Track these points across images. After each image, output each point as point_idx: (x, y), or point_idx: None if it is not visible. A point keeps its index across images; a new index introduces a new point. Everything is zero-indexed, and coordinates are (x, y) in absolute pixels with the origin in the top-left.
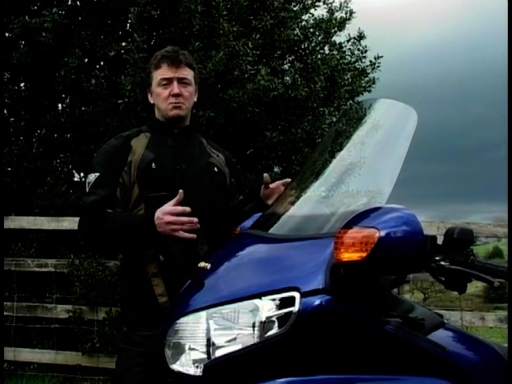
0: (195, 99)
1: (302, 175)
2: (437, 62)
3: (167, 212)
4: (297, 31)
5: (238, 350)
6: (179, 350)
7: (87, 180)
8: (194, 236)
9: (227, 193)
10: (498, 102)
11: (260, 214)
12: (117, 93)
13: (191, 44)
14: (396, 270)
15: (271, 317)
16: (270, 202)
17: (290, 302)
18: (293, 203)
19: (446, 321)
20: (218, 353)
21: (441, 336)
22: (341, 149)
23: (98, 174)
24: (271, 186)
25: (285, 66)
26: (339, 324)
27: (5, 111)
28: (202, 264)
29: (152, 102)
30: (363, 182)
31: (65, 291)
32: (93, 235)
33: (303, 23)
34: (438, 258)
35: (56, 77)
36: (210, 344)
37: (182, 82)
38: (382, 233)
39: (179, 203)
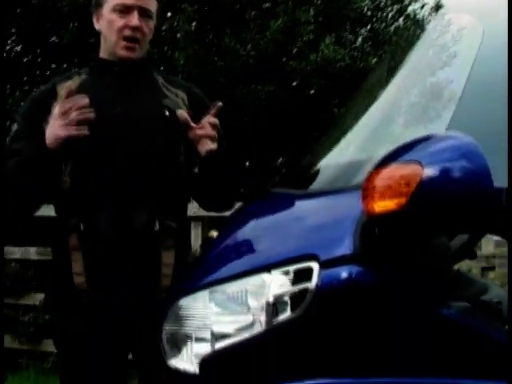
0: (151, 37)
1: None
2: None
3: (54, 117)
4: (367, 1)
5: (241, 341)
6: (176, 340)
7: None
8: (85, 131)
9: (189, 146)
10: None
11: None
12: None
13: (247, 13)
14: (448, 224)
15: (282, 295)
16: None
17: (306, 274)
18: (327, 152)
19: None
20: (218, 344)
21: None
22: (388, 81)
23: (16, 127)
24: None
25: (350, 36)
26: (374, 305)
27: None
28: (211, 233)
29: (98, 28)
30: (414, 116)
31: None
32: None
33: None
34: None
35: None
36: (209, 333)
37: (144, 13)
38: (427, 168)
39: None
